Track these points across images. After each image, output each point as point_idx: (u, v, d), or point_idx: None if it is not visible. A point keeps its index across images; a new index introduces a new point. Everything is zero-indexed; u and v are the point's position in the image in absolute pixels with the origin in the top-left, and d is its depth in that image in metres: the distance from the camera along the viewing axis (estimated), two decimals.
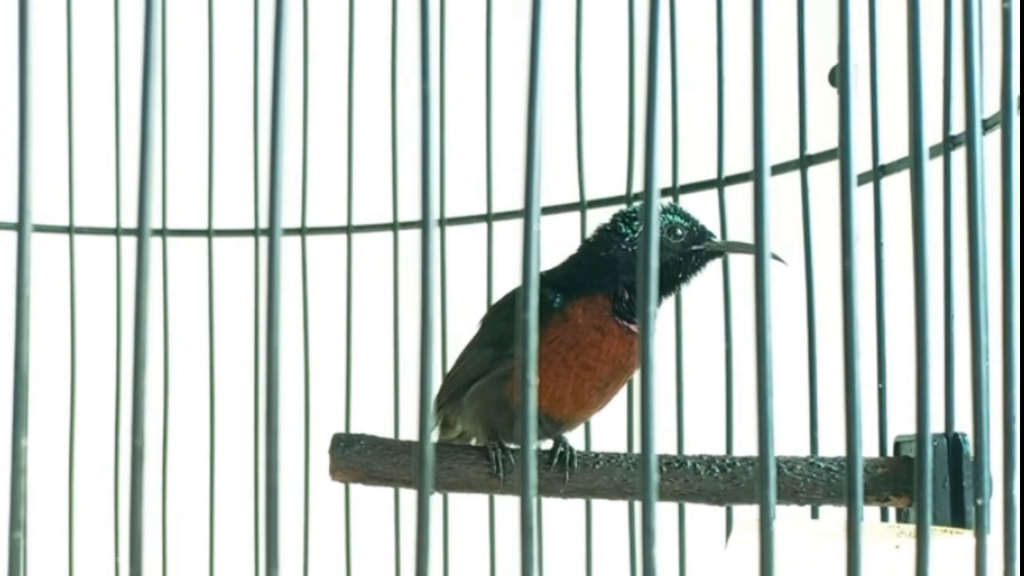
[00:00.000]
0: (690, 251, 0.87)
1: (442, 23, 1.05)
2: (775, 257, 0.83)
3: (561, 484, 0.83)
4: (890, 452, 0.83)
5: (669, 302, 0.97)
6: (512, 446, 0.86)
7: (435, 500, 0.95)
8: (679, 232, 0.87)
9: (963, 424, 0.77)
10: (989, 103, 0.62)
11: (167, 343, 1.19)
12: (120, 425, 1.16)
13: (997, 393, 0.54)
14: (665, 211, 0.88)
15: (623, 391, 0.90)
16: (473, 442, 0.92)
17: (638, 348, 0.84)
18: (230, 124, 1.22)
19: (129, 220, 1.18)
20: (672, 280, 0.88)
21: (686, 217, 0.88)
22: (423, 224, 0.44)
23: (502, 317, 0.89)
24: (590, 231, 0.90)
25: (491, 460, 0.84)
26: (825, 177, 0.90)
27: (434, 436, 0.95)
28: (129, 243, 1.18)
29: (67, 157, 1.20)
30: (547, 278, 0.89)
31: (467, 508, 1.10)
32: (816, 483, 0.80)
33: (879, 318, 0.86)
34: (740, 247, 0.90)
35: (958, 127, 0.78)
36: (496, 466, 0.84)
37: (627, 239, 0.87)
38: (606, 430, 1.00)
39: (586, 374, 0.85)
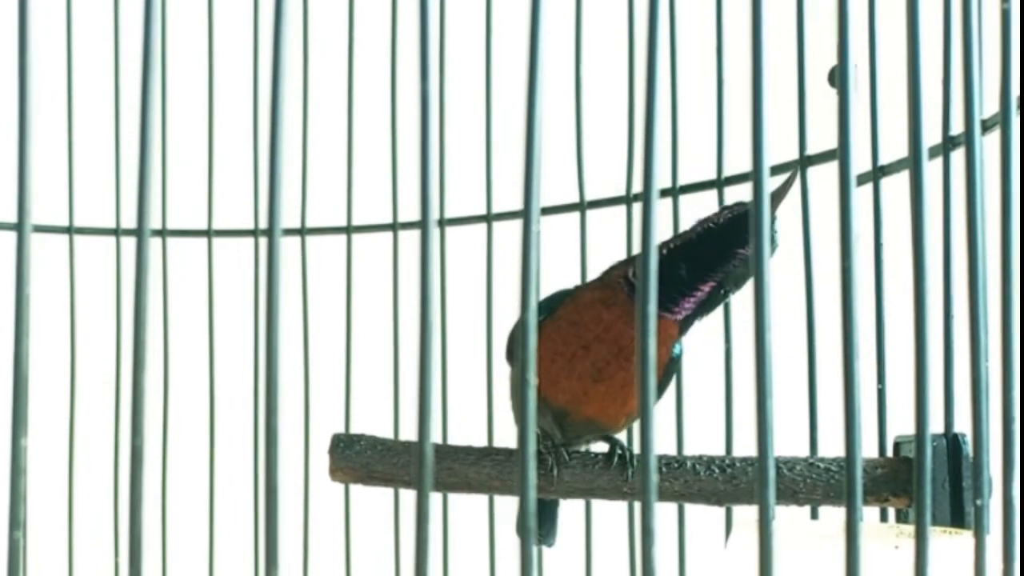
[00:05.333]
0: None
1: (442, 23, 1.05)
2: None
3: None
4: (890, 452, 0.83)
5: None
6: (563, 445, 0.84)
7: (435, 500, 0.95)
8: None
9: (963, 424, 0.77)
10: (988, 103, 0.62)
11: (167, 343, 1.19)
12: (120, 425, 1.16)
13: (997, 393, 0.54)
14: None
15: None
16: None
17: (655, 332, 0.83)
18: (230, 124, 1.22)
19: (129, 220, 1.18)
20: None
21: None
22: (423, 224, 0.44)
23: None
24: (590, 231, 0.90)
25: (547, 464, 0.82)
26: (825, 177, 0.90)
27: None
28: (129, 243, 1.18)
29: (67, 157, 1.20)
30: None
31: (467, 508, 1.10)
32: (816, 483, 0.80)
33: (879, 318, 0.86)
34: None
35: (957, 127, 0.78)
36: (553, 468, 0.82)
37: None
38: None
39: (582, 352, 0.80)
